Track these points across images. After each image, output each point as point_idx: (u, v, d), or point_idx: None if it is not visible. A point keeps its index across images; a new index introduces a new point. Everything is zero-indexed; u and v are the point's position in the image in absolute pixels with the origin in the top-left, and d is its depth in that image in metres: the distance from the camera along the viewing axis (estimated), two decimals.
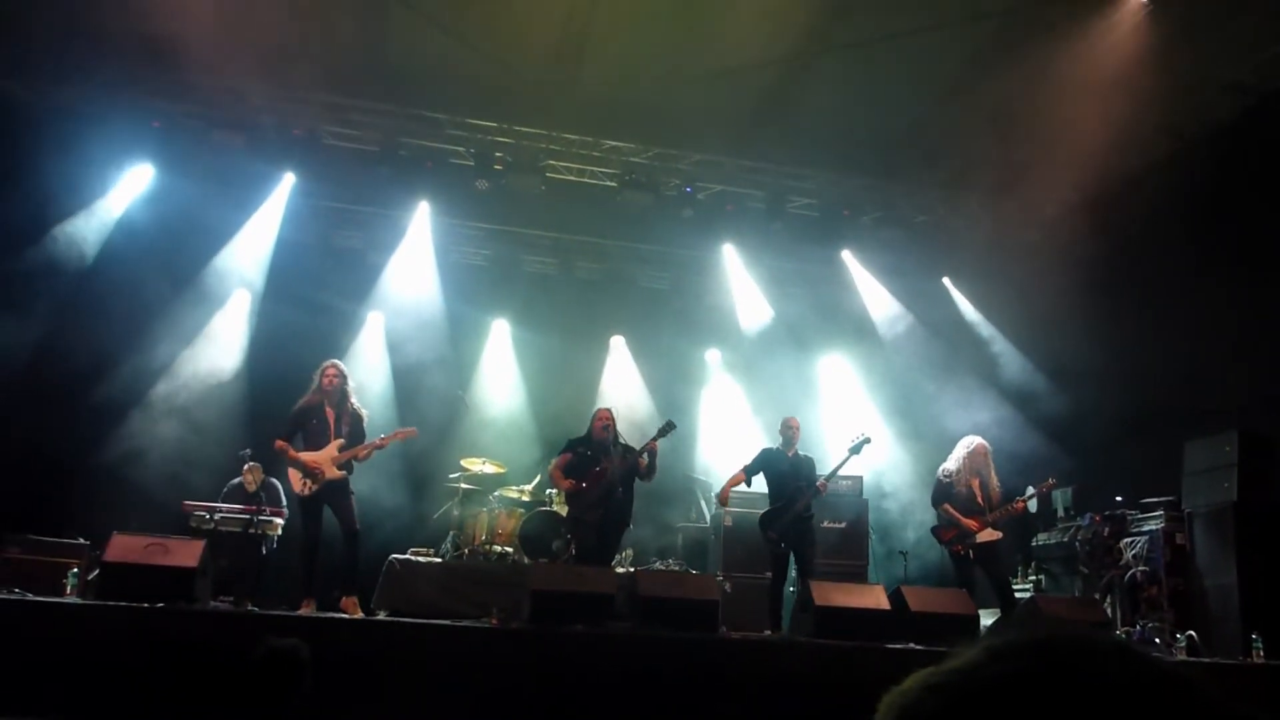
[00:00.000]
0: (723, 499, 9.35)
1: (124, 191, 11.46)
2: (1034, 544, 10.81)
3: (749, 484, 9.25)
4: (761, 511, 9.19)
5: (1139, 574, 9.40)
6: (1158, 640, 8.54)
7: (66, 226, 11.06)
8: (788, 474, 9.06)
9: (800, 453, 9.30)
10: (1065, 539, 10.32)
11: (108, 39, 10.10)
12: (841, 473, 9.36)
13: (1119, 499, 10.04)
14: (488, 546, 10.06)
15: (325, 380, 8.22)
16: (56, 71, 10.50)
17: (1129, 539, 9.63)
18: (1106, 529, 9.83)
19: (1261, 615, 8.18)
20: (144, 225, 11.35)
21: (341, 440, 8.09)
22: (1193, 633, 8.34)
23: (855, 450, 9.02)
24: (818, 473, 9.11)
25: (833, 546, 10.63)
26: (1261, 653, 7.77)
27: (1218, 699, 0.65)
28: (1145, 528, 9.59)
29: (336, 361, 8.52)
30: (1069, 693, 0.64)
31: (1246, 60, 9.67)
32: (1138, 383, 10.24)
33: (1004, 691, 0.66)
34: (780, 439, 9.36)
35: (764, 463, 9.21)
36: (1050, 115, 10.52)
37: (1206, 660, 7.92)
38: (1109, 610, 9.23)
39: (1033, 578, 10.62)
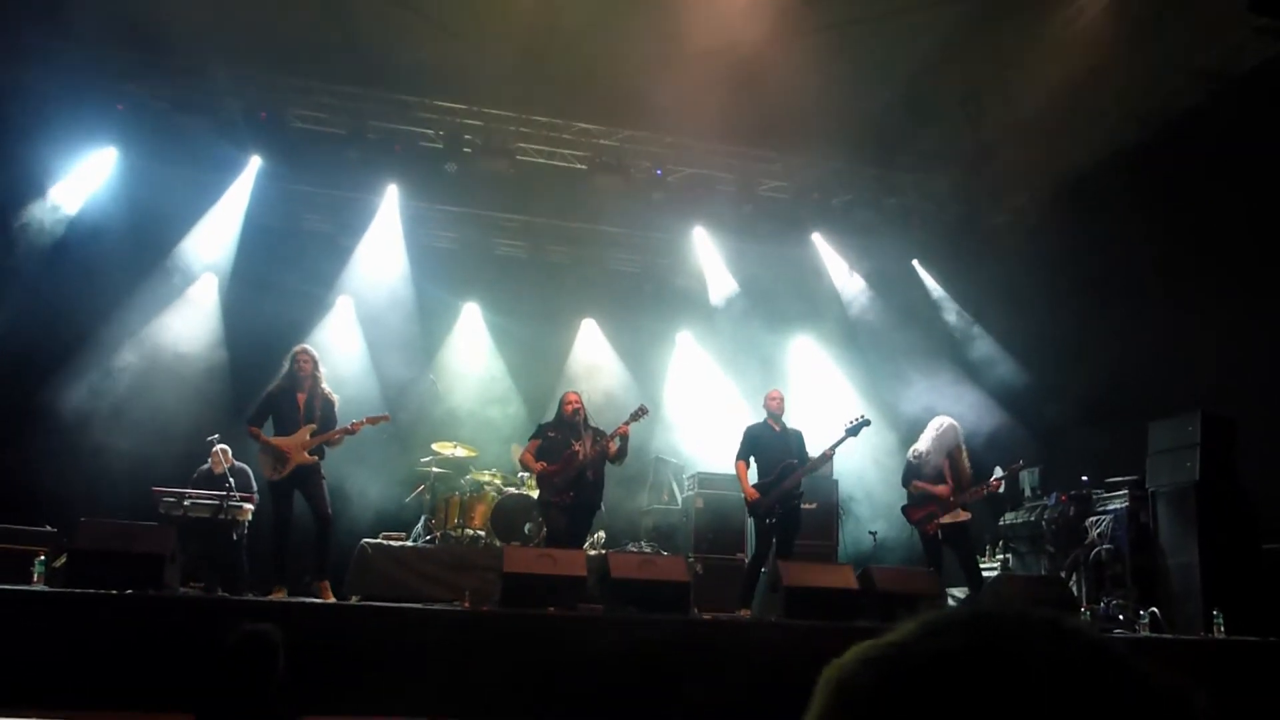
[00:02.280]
0: (751, 497, 8.68)
1: (87, 176, 11.31)
2: (1001, 523, 10.94)
3: (750, 467, 8.83)
4: (734, 492, 9.14)
5: (1103, 552, 9.54)
6: (1121, 617, 8.69)
7: (27, 212, 10.91)
8: (776, 448, 8.82)
9: (787, 426, 9.06)
10: (1032, 518, 10.45)
11: (70, 21, 9.94)
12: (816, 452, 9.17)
13: (1084, 479, 10.17)
14: (460, 530, 10.07)
15: (297, 366, 8.17)
16: (16, 53, 10.31)
17: (1094, 518, 9.77)
18: (1072, 508, 9.96)
19: (1222, 592, 8.33)
20: (108, 210, 11.22)
21: (313, 425, 8.05)
22: (1155, 609, 8.48)
23: (853, 432, 8.78)
24: (807, 447, 8.91)
25: (803, 527, 10.70)
26: (1223, 628, 7.92)
27: (1149, 672, 0.67)
28: (1110, 507, 9.72)
29: (308, 346, 8.48)
30: (1002, 666, 0.65)
31: (1212, 46, 9.76)
32: (1104, 364, 10.36)
33: (936, 665, 0.67)
34: (765, 413, 9.10)
35: (752, 441, 8.93)
36: (1019, 100, 10.61)
37: (1169, 636, 8.06)
38: (1074, 588, 9.36)
39: (1000, 557, 10.75)
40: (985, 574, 9.21)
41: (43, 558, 7.37)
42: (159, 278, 11.62)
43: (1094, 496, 9.96)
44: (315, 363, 8.27)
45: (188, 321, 11.83)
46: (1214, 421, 8.96)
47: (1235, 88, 9.77)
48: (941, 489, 8.76)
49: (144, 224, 11.43)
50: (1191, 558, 8.70)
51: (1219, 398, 9.14)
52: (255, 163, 11.78)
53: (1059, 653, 0.66)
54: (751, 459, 8.90)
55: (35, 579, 7.05)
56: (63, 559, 7.09)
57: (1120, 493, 9.69)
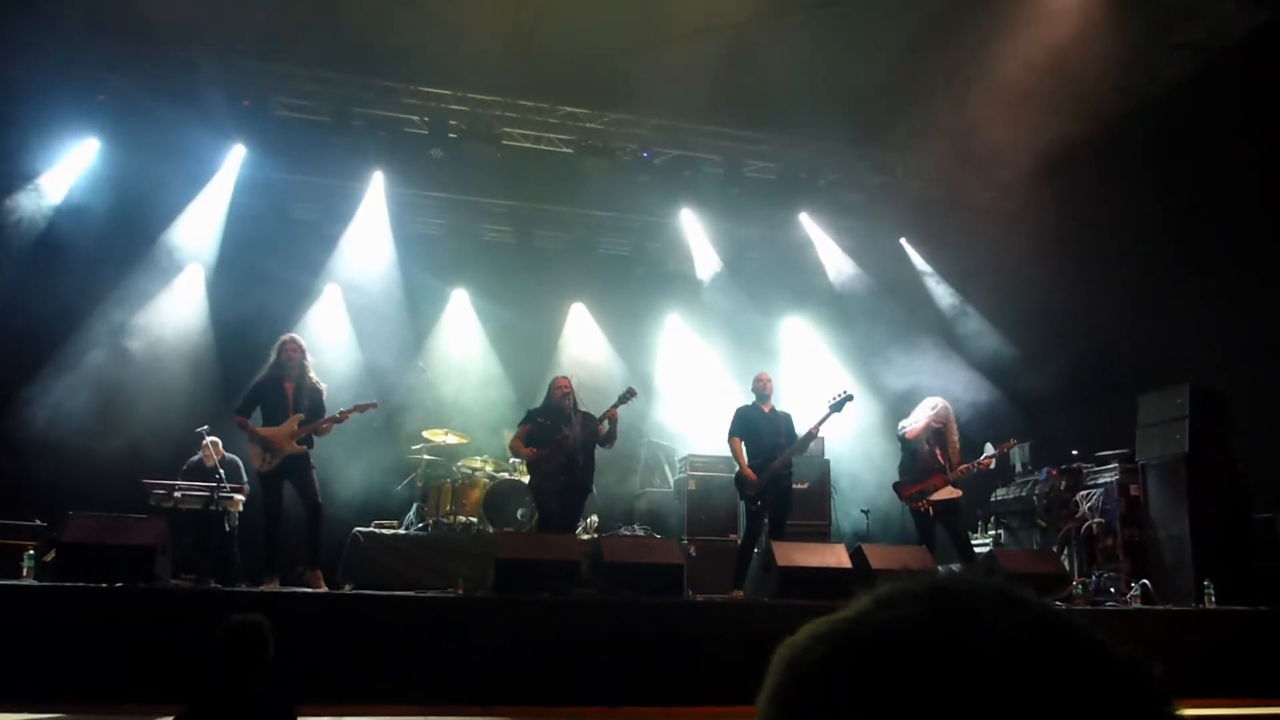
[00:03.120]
0: (750, 478, 8.66)
1: (70, 167, 11.22)
2: (993, 499, 10.98)
3: (741, 446, 8.83)
4: (726, 474, 9.15)
5: (1094, 526, 9.59)
6: (1113, 589, 8.74)
7: (11, 204, 10.83)
8: (765, 430, 8.85)
9: (776, 408, 9.08)
10: (1023, 494, 10.49)
11: (51, 13, 9.84)
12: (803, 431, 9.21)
13: (1074, 453, 10.21)
14: (452, 517, 10.07)
15: (284, 355, 8.13)
16: None
17: (1085, 492, 9.82)
18: (1063, 483, 10.01)
19: (1212, 563, 8.39)
20: (92, 201, 11.13)
21: (301, 415, 8.02)
22: (1146, 581, 8.54)
23: (837, 407, 8.78)
24: (795, 428, 8.93)
25: (796, 507, 10.72)
26: (1214, 599, 7.98)
27: (1101, 642, 0.66)
28: (1100, 480, 9.77)
29: (295, 335, 8.44)
30: (950, 638, 0.65)
31: (1199, 19, 9.74)
32: (1092, 338, 10.39)
33: (885, 638, 0.67)
34: (753, 395, 9.11)
35: (743, 421, 8.96)
36: (1006, 76, 10.57)
37: (1160, 607, 8.11)
38: (1066, 562, 9.40)
39: (992, 533, 10.80)
40: (977, 550, 9.25)
41: (32, 552, 7.35)
42: (144, 269, 11.55)
43: (1084, 470, 10.01)
44: (303, 351, 8.23)
45: (174, 312, 11.77)
46: (1203, 393, 9.00)
47: (1220, 59, 9.77)
48: (932, 478, 8.77)
49: (128, 215, 11.37)
50: (1182, 529, 8.75)
51: (1207, 370, 9.17)
52: (239, 151, 11.71)
53: (1010, 623, 0.66)
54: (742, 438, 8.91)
55: (25, 574, 7.02)
56: (52, 553, 7.06)
57: (1110, 466, 9.73)
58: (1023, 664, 0.63)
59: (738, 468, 8.80)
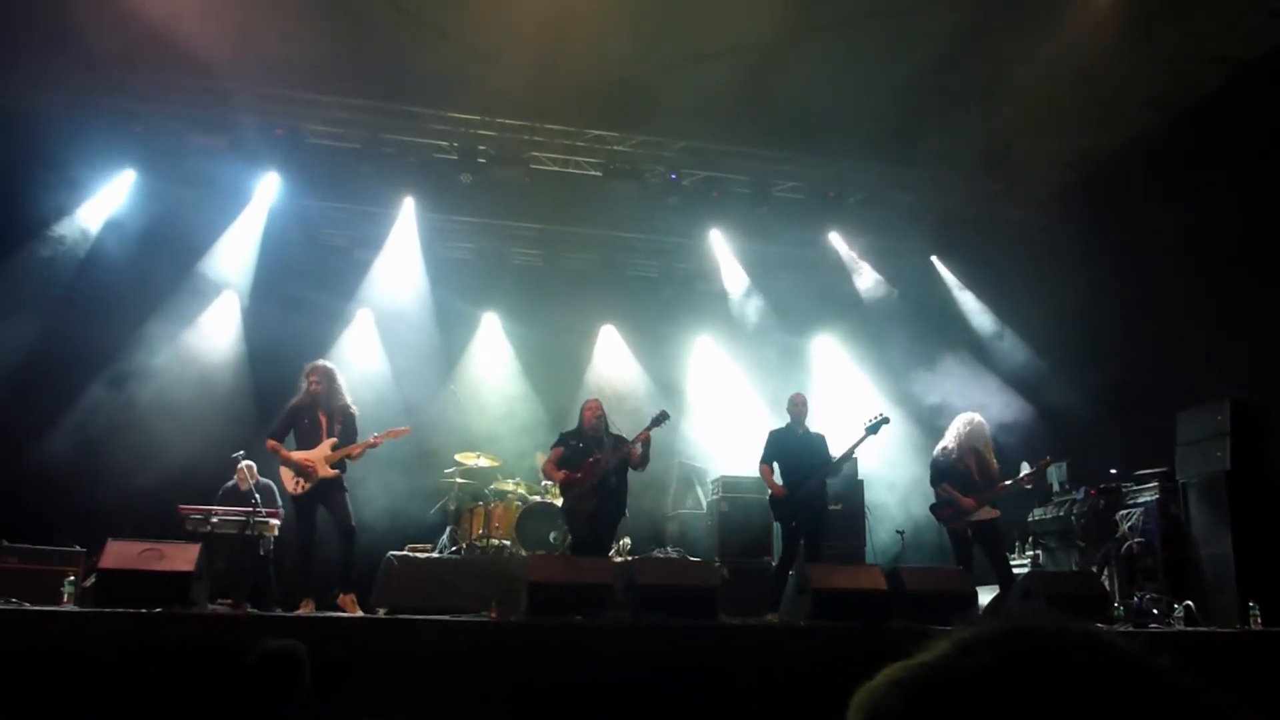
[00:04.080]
0: (780, 494, 8.66)
1: (107, 198, 11.41)
2: (1030, 519, 10.83)
3: (775, 471, 8.84)
4: (758, 495, 9.10)
5: (1135, 545, 9.43)
6: (1155, 611, 8.57)
7: (50, 235, 11.02)
8: (799, 452, 8.82)
9: (810, 429, 9.04)
10: (1061, 513, 10.34)
11: (87, 45, 10.02)
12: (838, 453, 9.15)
13: (1113, 472, 10.06)
14: (484, 540, 10.06)
15: (310, 384, 8.20)
16: (36, 78, 10.41)
17: (1124, 511, 9.66)
18: (1102, 502, 9.85)
19: (1257, 583, 8.21)
20: (128, 231, 11.33)
21: (334, 439, 8.07)
22: (1190, 602, 8.37)
23: (873, 430, 8.71)
24: (830, 449, 8.88)
25: (830, 528, 10.64)
26: (1259, 619, 7.80)
27: (1188, 688, 0.64)
28: (1140, 499, 9.62)
29: (319, 364, 8.44)
30: (1036, 686, 0.62)
31: (1232, 30, 9.65)
32: (1128, 355, 10.26)
33: (970, 686, 0.64)
34: (788, 417, 9.08)
35: (776, 444, 8.94)
36: (1035, 91, 10.52)
37: (1205, 629, 7.95)
38: (1106, 583, 9.25)
39: (1030, 553, 10.64)
40: (1016, 571, 9.12)
41: (72, 578, 7.40)
42: (181, 296, 11.71)
43: (1123, 489, 9.86)
44: (329, 377, 8.26)
45: (210, 338, 11.92)
46: (1244, 410, 8.85)
47: (1252, 72, 9.66)
48: (969, 501, 8.66)
49: (164, 243, 11.54)
50: (1225, 549, 8.59)
51: (1247, 386, 9.02)
52: (273, 179, 11.85)
53: (1099, 669, 0.63)
54: (775, 463, 8.87)
55: (65, 599, 7.08)
56: (92, 578, 7.12)
57: (1150, 485, 9.58)
58: (1107, 714, 0.61)
59: (763, 489, 8.76)
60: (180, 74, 10.55)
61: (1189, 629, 7.98)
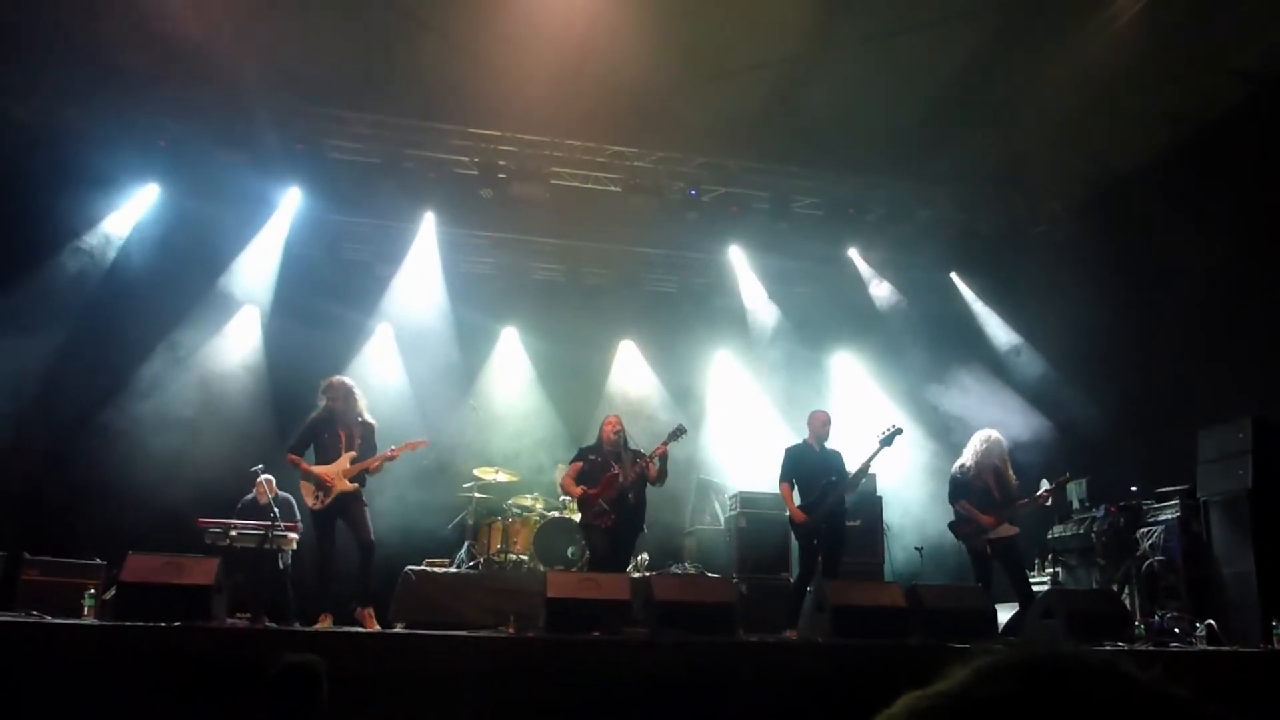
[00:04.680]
0: (799, 518, 8.67)
1: (130, 212, 11.53)
2: (1050, 537, 10.77)
3: (794, 488, 8.82)
4: (777, 511, 9.07)
5: (1156, 564, 9.35)
6: (1177, 630, 8.49)
7: (74, 250, 11.13)
8: (817, 469, 8.79)
9: (828, 447, 9.00)
10: (1081, 531, 10.28)
11: (111, 61, 10.15)
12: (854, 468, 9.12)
13: (1134, 489, 9.99)
14: (503, 555, 10.08)
15: (326, 400, 8.24)
16: (61, 94, 10.55)
17: (1145, 529, 9.59)
18: (1122, 519, 9.78)
19: None
20: (151, 245, 11.44)
21: (353, 453, 8.10)
22: (1212, 621, 8.29)
23: (887, 442, 8.66)
24: (846, 466, 8.85)
25: (848, 544, 10.59)
26: None
27: (1213, 717, 0.64)
28: (1161, 517, 9.54)
29: (336, 379, 8.45)
30: (1057, 715, 0.62)
31: (1251, 45, 9.61)
32: (1148, 372, 10.20)
33: (991, 715, 0.64)
34: (806, 432, 9.06)
35: (794, 462, 8.91)
36: (1054, 107, 10.50)
37: (1227, 648, 7.87)
38: (1127, 601, 9.18)
39: (1050, 571, 10.57)
40: (1035, 589, 9.05)
41: (92, 591, 7.46)
42: (203, 310, 11.79)
43: (1144, 507, 9.79)
44: (347, 392, 8.28)
45: (231, 352, 11.99)
46: (1266, 427, 8.77)
47: (1272, 87, 9.62)
48: (988, 519, 8.61)
49: (187, 257, 11.63)
50: (1247, 567, 8.52)
51: (1269, 403, 8.95)
52: (294, 194, 11.95)
53: (1120, 698, 0.63)
54: (794, 480, 8.85)
55: (85, 612, 7.13)
56: (112, 591, 7.17)
57: (1171, 503, 9.51)
58: None
59: (780, 506, 8.73)
60: (204, 89, 10.66)
61: (1211, 648, 7.90)
